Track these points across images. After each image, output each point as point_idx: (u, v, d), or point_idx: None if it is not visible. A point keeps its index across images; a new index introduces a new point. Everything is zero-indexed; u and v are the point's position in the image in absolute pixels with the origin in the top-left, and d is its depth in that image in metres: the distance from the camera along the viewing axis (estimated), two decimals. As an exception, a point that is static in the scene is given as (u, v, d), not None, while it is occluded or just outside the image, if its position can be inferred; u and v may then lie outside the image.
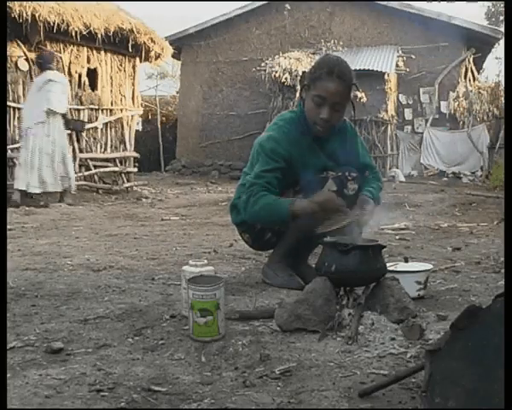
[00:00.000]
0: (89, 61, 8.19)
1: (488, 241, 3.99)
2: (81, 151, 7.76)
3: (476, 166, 12.31)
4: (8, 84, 6.97)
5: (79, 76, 8.01)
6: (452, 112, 12.83)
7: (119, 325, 1.90)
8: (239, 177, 2.40)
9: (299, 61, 12.10)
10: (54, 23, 7.06)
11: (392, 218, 5.01)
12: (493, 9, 23.24)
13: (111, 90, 8.60)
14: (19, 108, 7.28)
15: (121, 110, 8.76)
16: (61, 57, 7.72)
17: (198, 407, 1.30)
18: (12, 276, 2.59)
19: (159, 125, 16.28)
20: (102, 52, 8.34)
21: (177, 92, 16.98)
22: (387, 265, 2.10)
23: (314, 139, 2.46)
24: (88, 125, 7.88)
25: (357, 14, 13.41)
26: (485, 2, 23.58)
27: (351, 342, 1.69)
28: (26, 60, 7.33)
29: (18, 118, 7.28)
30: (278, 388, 1.40)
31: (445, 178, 11.95)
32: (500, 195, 7.09)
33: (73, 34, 7.38)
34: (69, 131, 7.19)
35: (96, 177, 8.30)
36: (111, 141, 8.64)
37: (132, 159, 9.06)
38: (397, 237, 4.13)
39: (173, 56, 12.43)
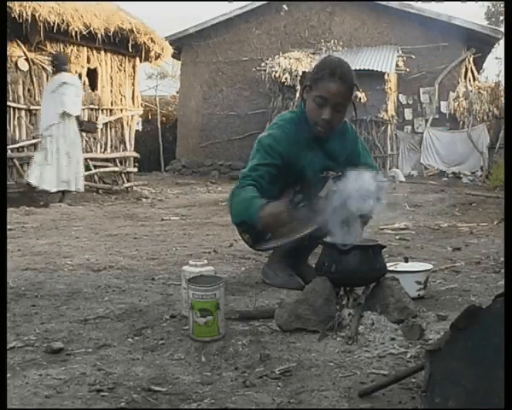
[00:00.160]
0: (89, 61, 8.19)
1: (488, 241, 3.99)
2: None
3: (476, 166, 12.31)
4: (8, 84, 6.97)
5: (79, 76, 8.01)
6: (452, 112, 12.82)
7: (119, 325, 1.90)
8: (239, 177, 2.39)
9: (299, 61, 12.10)
10: (54, 23, 7.06)
11: (392, 218, 5.01)
12: (493, 9, 23.24)
13: (111, 90, 8.60)
14: (19, 108, 7.29)
15: (121, 110, 8.76)
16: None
17: (198, 407, 1.30)
18: (12, 276, 2.59)
19: (159, 125, 16.28)
20: (102, 52, 8.34)
21: (177, 92, 16.97)
22: (387, 265, 2.10)
23: (314, 139, 2.46)
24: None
25: (357, 14, 13.40)
26: (485, 2, 23.60)
27: (351, 342, 1.69)
28: (26, 60, 7.33)
29: (18, 118, 7.29)
30: (278, 388, 1.40)
31: (445, 178, 11.95)
32: (500, 195, 7.09)
33: (73, 34, 7.38)
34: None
35: (96, 177, 8.29)
36: (111, 141, 8.64)
37: (132, 159, 9.07)
38: (397, 237, 4.13)
39: (173, 56, 12.43)
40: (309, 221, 2.13)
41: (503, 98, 11.68)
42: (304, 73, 11.59)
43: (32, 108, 7.43)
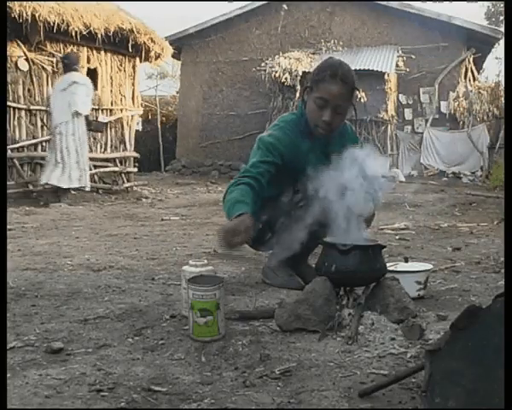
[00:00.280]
0: (89, 61, 8.19)
1: (488, 241, 3.99)
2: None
3: (476, 166, 12.31)
4: (8, 84, 6.98)
5: (79, 76, 8.01)
6: (452, 112, 12.82)
7: (119, 325, 1.90)
8: (238, 176, 2.39)
9: (299, 61, 12.09)
10: (54, 23, 7.06)
11: (392, 218, 5.01)
12: (493, 9, 23.24)
13: (111, 90, 8.60)
14: (19, 108, 7.30)
15: (121, 110, 8.76)
16: (61, 57, 7.72)
17: (198, 407, 1.30)
18: (12, 276, 2.59)
19: (159, 125, 16.28)
20: (102, 52, 8.34)
21: (177, 92, 16.97)
22: (387, 265, 2.10)
23: (314, 141, 2.46)
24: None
25: (357, 14, 13.40)
26: (485, 2, 23.59)
27: (351, 342, 1.69)
28: (26, 60, 7.33)
29: (18, 118, 7.29)
30: (278, 388, 1.40)
31: (445, 178, 11.95)
32: (500, 195, 7.09)
33: (73, 34, 7.38)
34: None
35: (95, 177, 8.29)
36: (111, 141, 8.64)
37: (132, 159, 9.06)
38: (397, 237, 4.13)
39: (173, 56, 12.43)
40: (249, 258, 2.03)
41: (503, 98, 11.67)
42: (304, 73, 11.59)
43: (32, 108, 7.44)
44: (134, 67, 8.94)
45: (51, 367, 1.52)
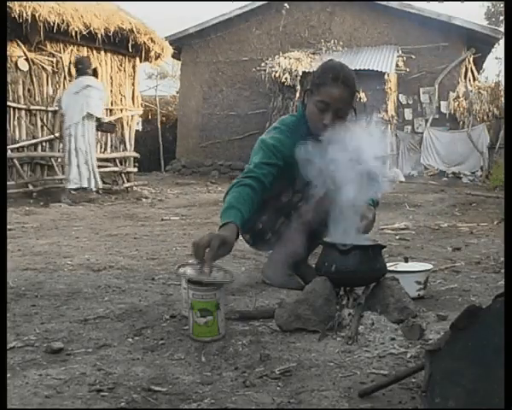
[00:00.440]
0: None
1: (488, 241, 3.99)
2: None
3: (476, 166, 12.31)
4: (8, 84, 6.98)
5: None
6: (452, 112, 12.82)
7: (119, 325, 1.90)
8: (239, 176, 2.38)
9: (299, 61, 12.09)
10: (54, 23, 7.07)
11: (392, 218, 5.01)
12: (493, 9, 23.24)
13: (111, 90, 8.60)
14: (19, 108, 7.30)
15: (121, 110, 8.76)
16: (60, 57, 7.73)
17: (198, 407, 1.30)
18: (12, 276, 2.59)
19: (159, 125, 16.28)
20: (102, 52, 8.35)
21: (177, 92, 16.98)
22: (387, 265, 2.10)
23: (314, 143, 2.46)
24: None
25: (357, 14, 13.40)
26: (485, 2, 23.60)
27: (351, 342, 1.69)
28: (26, 60, 7.33)
29: (18, 118, 7.29)
30: (278, 388, 1.40)
31: (445, 178, 11.95)
32: (500, 195, 7.09)
33: (73, 34, 7.39)
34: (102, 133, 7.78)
35: (95, 177, 8.29)
36: (111, 141, 8.64)
37: (132, 159, 9.07)
38: (397, 237, 4.13)
39: (173, 56, 12.43)
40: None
41: (503, 98, 11.67)
42: (304, 73, 11.60)
43: (31, 108, 7.44)
44: (134, 67, 8.95)
45: (51, 367, 1.52)
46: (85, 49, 8.07)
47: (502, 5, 20.02)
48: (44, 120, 7.62)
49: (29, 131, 7.47)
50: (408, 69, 12.79)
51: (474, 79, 13.71)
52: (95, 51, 8.22)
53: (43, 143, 7.65)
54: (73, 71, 7.89)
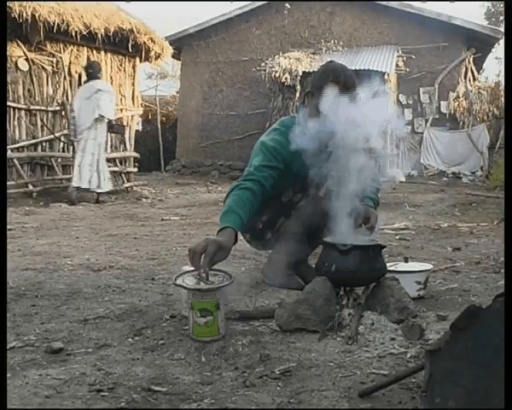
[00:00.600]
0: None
1: (488, 241, 3.99)
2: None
3: (476, 166, 12.31)
4: (8, 84, 6.98)
5: (79, 76, 8.00)
6: (452, 112, 12.82)
7: (119, 325, 1.90)
8: (239, 177, 2.38)
9: (299, 61, 12.09)
10: (54, 23, 7.06)
11: (392, 218, 5.01)
12: (493, 9, 23.25)
13: (111, 91, 8.59)
14: (19, 108, 7.29)
15: (121, 110, 8.75)
16: (60, 57, 7.73)
17: (198, 407, 1.30)
18: (12, 276, 2.59)
19: (159, 125, 16.27)
20: (102, 52, 8.34)
21: (177, 92, 16.97)
22: (387, 265, 2.10)
23: None
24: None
25: (357, 14, 13.40)
26: (485, 2, 23.59)
27: (351, 342, 1.69)
28: (26, 60, 7.33)
29: (18, 118, 7.29)
30: (278, 388, 1.40)
31: (445, 178, 11.95)
32: (500, 195, 7.09)
33: (73, 34, 7.38)
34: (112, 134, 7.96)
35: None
36: (111, 141, 8.62)
37: (132, 159, 9.06)
38: (397, 237, 4.13)
39: (173, 56, 12.42)
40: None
41: (503, 98, 11.67)
42: (304, 73, 11.59)
43: (31, 108, 7.44)
44: (134, 67, 8.94)
45: (51, 367, 1.52)
46: (85, 49, 8.06)
47: (502, 5, 20.02)
48: (44, 120, 7.62)
49: (29, 131, 7.46)
50: (408, 69, 12.79)
51: (474, 79, 13.71)
52: (95, 51, 8.21)
53: (43, 143, 7.64)
54: (73, 70, 7.91)
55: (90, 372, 1.48)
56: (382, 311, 1.85)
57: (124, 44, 8.25)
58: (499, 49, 15.02)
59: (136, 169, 9.21)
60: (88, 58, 8.13)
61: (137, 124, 11.84)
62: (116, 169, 8.64)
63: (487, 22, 21.59)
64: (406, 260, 2.49)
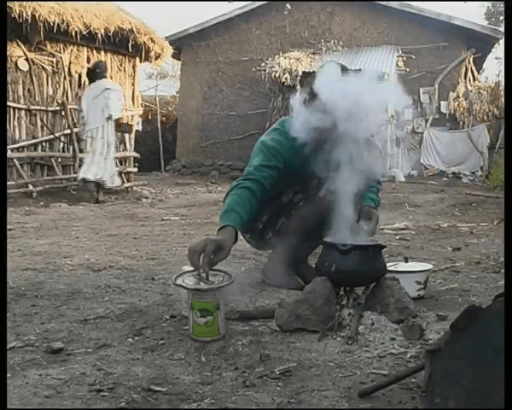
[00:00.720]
0: (89, 61, 8.17)
1: (488, 241, 3.99)
2: (81, 151, 7.74)
3: (476, 166, 12.31)
4: (8, 84, 6.98)
5: (79, 76, 8.01)
6: (452, 112, 12.82)
7: (119, 325, 1.90)
8: (239, 177, 2.38)
9: (299, 61, 12.09)
10: (54, 23, 7.06)
11: (392, 218, 5.01)
12: (493, 9, 23.23)
13: (111, 90, 8.58)
14: (19, 108, 7.29)
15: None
16: (60, 57, 7.73)
17: (198, 407, 1.30)
18: (12, 276, 2.59)
19: (159, 125, 16.27)
20: (102, 52, 8.33)
21: (177, 92, 16.96)
22: (387, 265, 2.10)
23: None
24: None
25: (357, 14, 13.40)
26: (485, 2, 23.58)
27: (351, 342, 1.69)
28: (26, 60, 7.33)
29: (18, 118, 7.29)
30: (278, 388, 1.40)
31: (445, 178, 11.94)
32: (500, 195, 7.08)
33: (73, 34, 7.38)
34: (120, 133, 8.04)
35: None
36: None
37: (132, 159, 9.06)
38: (397, 237, 4.13)
39: (173, 56, 12.41)
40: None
41: (503, 98, 11.67)
42: (304, 73, 11.59)
43: (31, 108, 7.44)
44: (134, 67, 8.94)
45: (51, 367, 1.52)
46: (85, 49, 8.06)
47: (502, 5, 20.01)
48: (44, 120, 7.61)
49: (29, 131, 7.46)
50: (408, 69, 12.78)
51: (474, 79, 13.70)
52: (95, 51, 8.21)
53: (43, 143, 7.64)
54: (73, 70, 7.91)
55: (90, 372, 1.48)
56: (382, 311, 1.85)
57: (124, 44, 8.25)
58: (499, 49, 15.02)
59: (136, 169, 9.21)
60: (88, 58, 8.14)
61: (137, 124, 11.84)
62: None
63: (487, 22, 21.57)
64: (406, 260, 2.49)
